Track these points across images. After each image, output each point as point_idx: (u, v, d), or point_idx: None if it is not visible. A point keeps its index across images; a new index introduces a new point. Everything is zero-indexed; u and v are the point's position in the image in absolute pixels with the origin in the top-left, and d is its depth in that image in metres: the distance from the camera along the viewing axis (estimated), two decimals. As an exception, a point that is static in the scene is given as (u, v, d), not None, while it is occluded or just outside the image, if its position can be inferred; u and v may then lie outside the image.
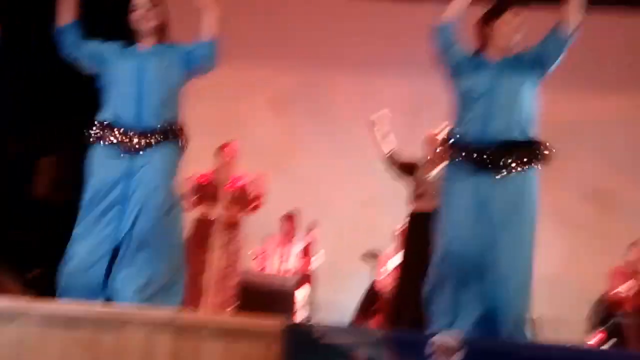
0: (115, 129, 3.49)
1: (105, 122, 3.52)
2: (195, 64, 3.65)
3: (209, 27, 3.63)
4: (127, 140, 3.47)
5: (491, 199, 3.31)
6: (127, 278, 3.40)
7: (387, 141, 5.06)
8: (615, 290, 6.07)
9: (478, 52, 3.52)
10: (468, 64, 3.47)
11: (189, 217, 5.43)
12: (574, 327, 6.35)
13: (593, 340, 5.93)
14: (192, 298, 5.10)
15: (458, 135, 3.41)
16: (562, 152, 7.06)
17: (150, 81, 3.52)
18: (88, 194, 3.48)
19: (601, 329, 6.00)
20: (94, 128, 3.54)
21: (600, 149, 7.55)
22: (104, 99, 3.61)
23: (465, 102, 3.43)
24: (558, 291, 6.70)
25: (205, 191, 5.43)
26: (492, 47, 3.50)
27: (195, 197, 5.41)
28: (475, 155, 3.34)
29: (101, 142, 3.50)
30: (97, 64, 3.64)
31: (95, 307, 3.01)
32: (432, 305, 3.45)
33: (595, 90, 7.48)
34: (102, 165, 3.49)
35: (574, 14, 3.39)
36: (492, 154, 3.32)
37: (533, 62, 3.44)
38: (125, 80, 3.53)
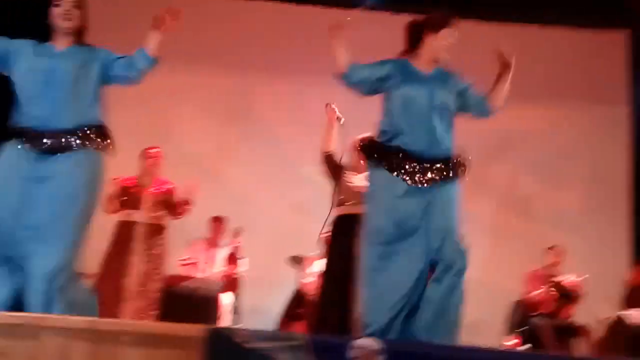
0: (28, 130, 3.35)
1: (17, 123, 3.39)
2: (122, 73, 3.56)
3: (152, 45, 3.55)
4: (39, 141, 3.34)
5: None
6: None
7: (333, 138, 5.01)
8: (530, 294, 6.27)
9: (404, 58, 3.56)
10: (397, 74, 3.50)
11: (112, 220, 5.33)
12: (494, 330, 6.51)
13: (510, 342, 6.08)
14: (114, 302, 5.01)
15: (387, 139, 3.45)
16: (484, 160, 7.30)
17: (63, 82, 3.39)
18: None
19: (518, 331, 6.17)
20: (8, 128, 3.41)
21: (520, 158, 7.79)
22: (17, 99, 3.45)
23: (402, 110, 3.45)
24: (477, 295, 6.83)
25: (129, 194, 5.36)
26: (423, 57, 3.55)
27: (119, 200, 5.32)
28: (407, 164, 3.39)
29: (14, 142, 3.37)
30: (2, 64, 3.47)
31: (9, 314, 2.89)
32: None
33: (517, 101, 7.66)
34: (11, 166, 3.35)
35: (500, 100, 3.66)
36: (421, 166, 3.39)
37: (458, 97, 3.55)
38: (37, 80, 3.38)
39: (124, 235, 5.25)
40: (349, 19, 3.39)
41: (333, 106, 4.87)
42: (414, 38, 3.60)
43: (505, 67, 3.64)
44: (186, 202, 5.42)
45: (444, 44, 3.52)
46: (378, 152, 3.47)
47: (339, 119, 4.89)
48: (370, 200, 3.53)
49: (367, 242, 3.48)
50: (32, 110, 3.38)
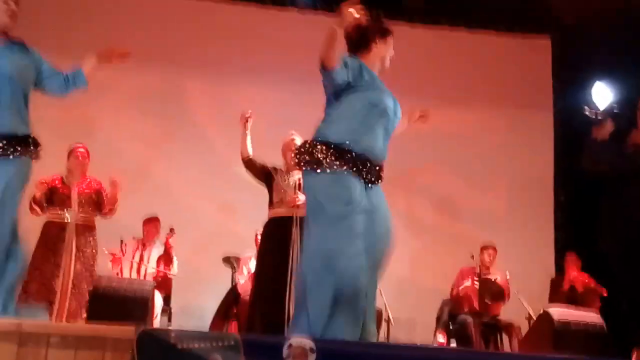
0: None
1: None
2: (57, 89, 3.58)
3: (89, 70, 3.63)
4: None
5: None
6: None
7: (249, 142, 5.03)
8: (459, 289, 6.39)
9: (358, 60, 3.43)
10: (361, 77, 3.38)
11: (40, 221, 5.20)
12: (425, 327, 6.61)
13: (440, 338, 6.19)
14: (46, 304, 4.90)
15: (348, 143, 3.28)
16: (414, 162, 7.41)
17: (6, 78, 3.31)
18: None
19: (447, 327, 6.29)
20: None
21: (449, 161, 7.94)
22: None
23: (366, 113, 3.34)
24: (408, 293, 6.96)
25: (57, 194, 5.23)
26: (369, 62, 3.46)
27: (46, 200, 5.19)
28: (363, 166, 3.29)
29: None
30: None
31: None
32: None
33: (447, 104, 7.84)
34: None
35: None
36: (376, 169, 3.35)
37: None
38: None
39: (53, 235, 5.13)
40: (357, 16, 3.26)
41: (246, 115, 4.98)
42: (362, 41, 3.50)
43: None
44: (113, 199, 5.32)
45: (390, 51, 3.53)
46: (340, 155, 3.28)
47: (246, 118, 4.94)
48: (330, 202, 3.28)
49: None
50: None
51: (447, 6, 8.20)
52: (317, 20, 8.11)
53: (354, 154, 3.26)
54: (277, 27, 8.06)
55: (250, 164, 5.01)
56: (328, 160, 3.24)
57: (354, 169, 3.25)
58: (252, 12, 8.17)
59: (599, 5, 7.67)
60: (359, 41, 3.49)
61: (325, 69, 3.25)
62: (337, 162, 3.23)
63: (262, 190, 5.04)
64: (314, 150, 3.28)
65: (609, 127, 4.30)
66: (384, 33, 3.50)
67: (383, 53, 3.49)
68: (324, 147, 3.26)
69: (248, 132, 5.00)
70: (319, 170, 3.25)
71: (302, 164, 3.33)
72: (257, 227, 5.39)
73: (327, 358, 2.77)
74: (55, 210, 5.22)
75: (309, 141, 3.35)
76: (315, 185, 3.29)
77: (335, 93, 3.36)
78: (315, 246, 3.22)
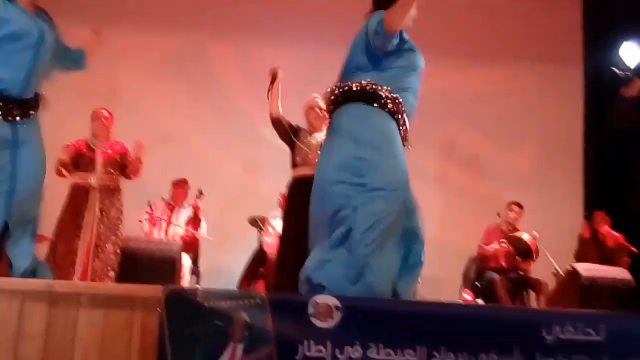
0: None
1: None
2: (68, 64, 3.64)
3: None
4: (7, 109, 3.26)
5: None
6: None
7: (276, 101, 4.99)
8: (487, 248, 6.39)
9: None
10: (402, 40, 3.40)
11: (66, 183, 5.27)
12: (451, 284, 6.63)
13: (467, 296, 6.21)
14: (69, 265, 4.99)
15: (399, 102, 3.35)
16: (441, 121, 7.33)
17: (45, 50, 3.34)
18: None
19: (473, 285, 6.30)
20: None
21: (476, 119, 7.85)
22: None
23: (405, 74, 3.39)
24: (434, 251, 6.94)
25: (82, 157, 5.29)
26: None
27: (72, 163, 5.25)
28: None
29: None
30: None
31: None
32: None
33: (468, 63, 7.73)
34: None
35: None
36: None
37: None
38: (24, 43, 3.29)
39: (78, 198, 5.19)
40: None
41: (277, 70, 4.85)
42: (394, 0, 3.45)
43: None
44: (138, 161, 5.36)
45: (415, 11, 3.49)
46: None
47: (276, 74, 4.86)
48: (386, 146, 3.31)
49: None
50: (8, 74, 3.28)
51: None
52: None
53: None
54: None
55: (277, 123, 4.98)
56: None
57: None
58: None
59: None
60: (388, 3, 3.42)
61: (388, 32, 3.27)
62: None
63: (286, 151, 5.04)
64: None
65: (638, 85, 4.27)
66: None
67: (412, 12, 3.45)
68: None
69: (278, 89, 4.89)
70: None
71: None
72: (282, 187, 5.40)
73: (352, 315, 2.79)
74: (80, 173, 5.27)
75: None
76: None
77: (385, 54, 3.37)
78: None
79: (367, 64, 3.41)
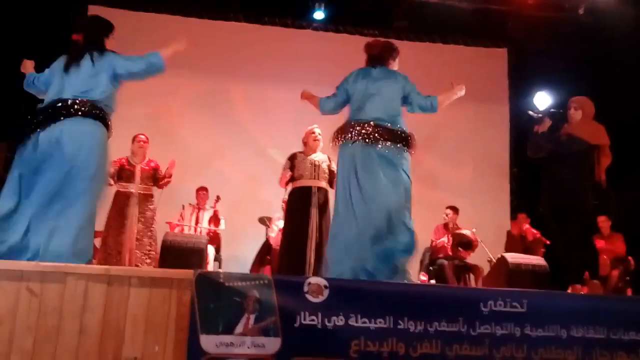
0: None
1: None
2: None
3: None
4: None
5: None
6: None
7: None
8: (437, 241, 6.39)
9: None
10: None
11: (112, 190, 5.25)
12: (411, 269, 6.59)
13: (423, 277, 6.20)
14: (117, 253, 5.00)
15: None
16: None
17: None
18: None
19: (427, 269, 6.29)
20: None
21: (432, 144, 7.83)
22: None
23: None
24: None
25: (124, 171, 5.30)
26: None
27: (117, 175, 5.26)
28: None
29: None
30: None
31: (42, 264, 2.83)
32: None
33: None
34: None
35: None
36: None
37: None
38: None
39: (121, 202, 5.17)
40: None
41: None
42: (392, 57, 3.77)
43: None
44: (168, 176, 5.35)
45: None
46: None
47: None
48: None
49: None
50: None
51: (427, 25, 8.11)
52: (327, 37, 8.06)
53: None
54: (300, 42, 8.01)
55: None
56: None
57: None
58: (278, 31, 8.12)
59: (544, 27, 7.62)
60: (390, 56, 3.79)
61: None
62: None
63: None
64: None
65: (547, 123, 4.34)
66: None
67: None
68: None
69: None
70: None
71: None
72: (279, 194, 5.36)
73: (337, 293, 2.79)
74: (122, 183, 5.26)
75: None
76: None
77: None
78: None
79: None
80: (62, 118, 3.18)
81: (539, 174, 4.44)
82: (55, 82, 3.33)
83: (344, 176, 3.49)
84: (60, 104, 3.23)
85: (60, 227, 3.06)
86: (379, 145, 3.44)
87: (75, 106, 3.22)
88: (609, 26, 6.90)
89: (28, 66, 3.48)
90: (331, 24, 8.09)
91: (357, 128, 3.50)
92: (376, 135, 3.44)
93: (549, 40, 7.70)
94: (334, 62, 7.32)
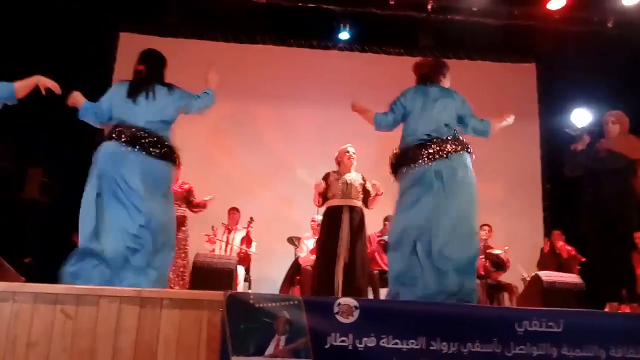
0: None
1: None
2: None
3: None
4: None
5: None
6: None
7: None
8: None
9: None
10: None
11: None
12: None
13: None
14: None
15: None
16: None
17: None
18: None
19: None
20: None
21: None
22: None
23: None
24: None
25: None
26: None
27: None
28: None
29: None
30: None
31: (76, 286, 2.88)
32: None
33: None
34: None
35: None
36: None
37: None
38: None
39: None
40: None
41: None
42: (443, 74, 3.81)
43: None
44: (203, 204, 5.49)
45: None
46: None
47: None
48: None
49: None
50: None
51: (452, 42, 8.09)
52: (353, 57, 8.12)
53: None
54: (326, 62, 8.09)
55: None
56: None
57: None
58: (305, 52, 8.21)
59: (572, 41, 7.55)
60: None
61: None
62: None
63: (311, 187, 5.01)
64: None
65: (585, 140, 4.29)
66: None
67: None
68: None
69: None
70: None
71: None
72: (308, 214, 5.33)
73: (368, 313, 2.77)
74: None
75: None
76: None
77: None
78: None
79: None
80: (136, 148, 3.41)
81: (575, 190, 4.37)
82: (120, 108, 3.47)
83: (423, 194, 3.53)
84: (134, 129, 3.43)
85: None
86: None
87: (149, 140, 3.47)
88: (639, 38, 6.81)
89: (78, 99, 3.53)
90: (356, 44, 8.16)
91: (430, 149, 3.54)
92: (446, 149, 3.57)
93: (578, 54, 7.61)
94: (361, 81, 7.39)
